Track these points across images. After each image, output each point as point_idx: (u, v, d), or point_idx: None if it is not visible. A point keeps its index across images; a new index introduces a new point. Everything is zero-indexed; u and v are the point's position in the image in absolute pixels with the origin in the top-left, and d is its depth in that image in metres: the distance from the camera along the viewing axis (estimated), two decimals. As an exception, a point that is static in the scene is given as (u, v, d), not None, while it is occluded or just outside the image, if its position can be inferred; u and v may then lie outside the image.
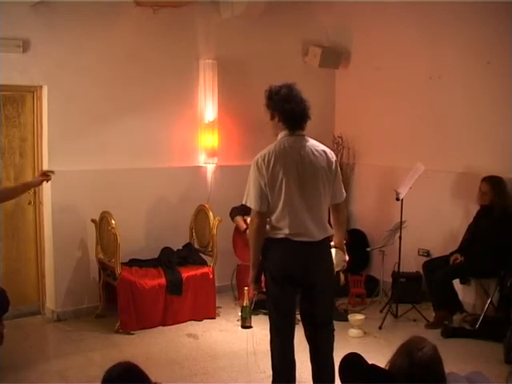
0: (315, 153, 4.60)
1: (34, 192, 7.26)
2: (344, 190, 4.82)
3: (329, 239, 4.73)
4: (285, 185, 4.49)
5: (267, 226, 4.60)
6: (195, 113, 8.11)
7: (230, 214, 7.72)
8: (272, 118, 4.67)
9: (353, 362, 3.09)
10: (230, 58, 8.17)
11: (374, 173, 8.62)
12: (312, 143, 4.65)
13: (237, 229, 7.72)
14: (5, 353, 5.80)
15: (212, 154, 8.13)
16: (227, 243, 7.65)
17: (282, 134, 4.64)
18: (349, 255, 4.98)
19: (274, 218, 4.56)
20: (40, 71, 7.01)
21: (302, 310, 4.81)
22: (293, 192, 4.50)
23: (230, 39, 8.20)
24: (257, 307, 7.16)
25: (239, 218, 7.65)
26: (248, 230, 4.67)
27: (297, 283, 4.62)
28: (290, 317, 4.73)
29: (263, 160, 4.53)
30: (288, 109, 4.56)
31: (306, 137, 4.67)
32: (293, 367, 4.75)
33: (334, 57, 8.81)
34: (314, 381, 4.82)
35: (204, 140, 8.12)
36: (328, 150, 4.71)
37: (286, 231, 4.52)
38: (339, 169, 4.77)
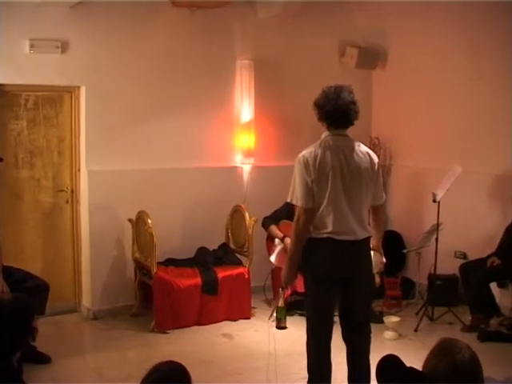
0: (359, 153, 4.63)
1: (72, 191, 7.34)
2: (384, 193, 4.83)
3: (369, 239, 4.73)
4: (330, 183, 4.51)
5: None
6: (232, 113, 8.12)
7: (263, 225, 7.65)
8: (317, 117, 4.70)
9: (391, 363, 3.07)
10: (266, 58, 8.17)
11: (411, 174, 8.55)
12: (356, 144, 4.68)
13: (269, 237, 7.69)
14: (40, 350, 5.87)
15: (248, 154, 8.14)
16: (263, 244, 7.63)
17: (325, 133, 4.68)
18: (385, 257, 4.97)
19: (317, 216, 4.56)
20: (78, 72, 7.08)
21: (341, 310, 4.81)
22: (338, 190, 4.52)
23: (266, 40, 8.19)
24: (292, 308, 7.16)
25: (274, 228, 7.60)
26: (294, 226, 4.64)
27: (339, 283, 4.62)
28: (330, 318, 4.73)
29: (310, 157, 4.54)
30: (329, 108, 4.59)
31: (350, 137, 4.68)
32: (329, 368, 4.75)
33: (371, 57, 8.76)
34: (349, 382, 4.82)
35: (240, 140, 8.13)
36: (371, 152, 4.74)
37: (330, 229, 4.53)
38: (380, 171, 4.78)
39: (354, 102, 4.62)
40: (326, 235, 4.55)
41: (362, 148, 4.70)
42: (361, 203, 4.62)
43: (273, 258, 7.52)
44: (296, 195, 4.61)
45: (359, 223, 4.59)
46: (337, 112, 4.58)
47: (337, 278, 4.59)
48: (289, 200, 4.70)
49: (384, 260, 4.94)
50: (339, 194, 4.53)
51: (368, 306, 4.94)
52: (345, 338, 4.81)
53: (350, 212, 4.55)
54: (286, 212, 7.31)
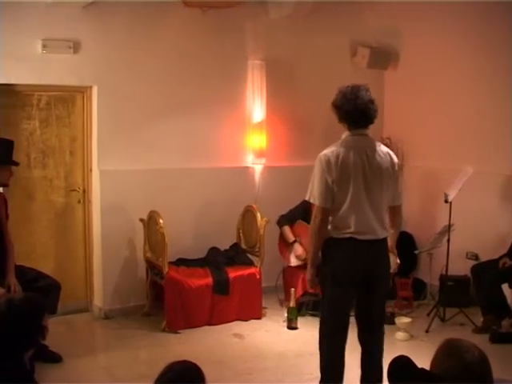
0: (380, 153, 4.64)
1: (84, 191, 7.37)
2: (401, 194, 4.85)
3: (386, 239, 4.74)
4: (353, 182, 4.51)
5: (329, 226, 4.60)
6: (243, 113, 8.12)
7: (278, 222, 7.66)
8: (337, 117, 4.70)
9: (402, 364, 3.06)
10: (278, 58, 8.17)
11: (422, 174, 8.53)
12: (376, 143, 4.70)
13: (282, 236, 7.70)
14: (52, 349, 5.89)
15: (260, 154, 8.14)
16: (274, 244, 7.63)
17: (345, 134, 4.68)
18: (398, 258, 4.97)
19: (338, 215, 4.56)
20: (90, 71, 7.11)
21: (358, 310, 4.81)
22: (360, 190, 4.53)
23: (278, 40, 8.19)
24: (303, 308, 7.16)
25: (287, 229, 7.61)
26: (311, 226, 4.63)
27: (359, 283, 4.62)
28: (347, 318, 4.72)
29: (332, 156, 4.53)
30: (348, 107, 4.59)
31: (370, 137, 4.69)
32: (343, 369, 4.74)
33: (383, 57, 8.74)
34: (361, 382, 4.82)
35: (252, 140, 8.13)
36: (391, 152, 4.76)
37: (352, 229, 4.53)
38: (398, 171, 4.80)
39: (372, 101, 4.63)
40: (348, 235, 4.54)
41: (383, 148, 4.72)
42: (381, 203, 4.63)
43: (293, 260, 7.54)
44: (314, 194, 4.59)
45: (380, 223, 4.61)
46: (356, 111, 4.58)
47: (358, 278, 4.59)
48: (307, 198, 4.70)
49: (398, 261, 4.96)
50: (361, 194, 4.53)
51: (384, 306, 4.94)
52: (360, 339, 4.82)
53: (371, 211, 4.56)
54: (302, 211, 7.35)
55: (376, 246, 4.61)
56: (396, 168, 4.71)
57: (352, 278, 4.58)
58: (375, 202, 4.58)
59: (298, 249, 7.47)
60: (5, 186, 6.07)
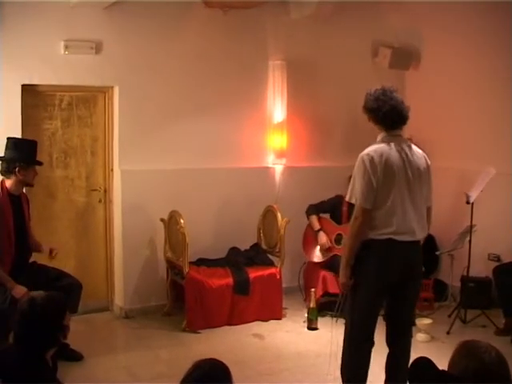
0: (418, 155, 4.68)
1: (105, 190, 7.40)
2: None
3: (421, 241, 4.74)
4: (396, 182, 4.50)
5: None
6: (264, 114, 8.13)
7: (307, 212, 7.68)
8: (373, 120, 4.69)
9: (423, 365, 3.05)
10: (299, 58, 8.16)
11: (444, 175, 8.42)
12: (412, 145, 4.71)
13: (309, 225, 7.71)
14: (73, 347, 5.93)
15: (280, 154, 8.14)
16: (294, 244, 7.62)
17: (381, 135, 4.67)
18: None
19: (378, 215, 4.52)
20: (111, 72, 7.14)
21: (390, 312, 4.78)
22: (403, 190, 4.53)
23: (299, 40, 8.19)
24: (323, 309, 7.15)
25: (315, 218, 7.63)
26: (351, 227, 4.59)
27: (394, 286, 4.59)
28: (375, 321, 4.69)
29: (376, 155, 4.51)
30: (386, 109, 4.59)
31: (404, 138, 4.71)
32: (367, 371, 4.71)
33: (405, 58, 8.70)
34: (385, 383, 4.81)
35: (273, 141, 8.13)
36: (425, 154, 4.77)
37: (393, 229, 4.50)
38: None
39: (403, 102, 4.67)
40: (386, 236, 4.50)
41: (418, 150, 4.73)
42: (422, 203, 4.65)
43: (316, 253, 7.55)
44: (356, 194, 4.55)
45: (420, 223, 4.62)
46: (393, 113, 4.59)
47: (394, 280, 4.56)
48: (347, 199, 4.66)
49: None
50: (404, 194, 4.53)
51: (415, 308, 4.92)
52: (389, 341, 4.79)
53: (413, 213, 4.56)
54: (331, 206, 7.53)
55: (413, 248, 4.60)
56: (430, 170, 4.74)
57: (388, 279, 4.54)
58: (417, 201, 4.59)
59: (323, 237, 7.48)
60: (30, 185, 6.12)
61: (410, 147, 4.66)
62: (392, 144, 4.58)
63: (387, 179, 4.49)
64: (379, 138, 4.66)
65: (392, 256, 4.51)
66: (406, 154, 4.58)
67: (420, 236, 4.63)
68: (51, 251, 6.12)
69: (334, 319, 5.95)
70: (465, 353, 2.87)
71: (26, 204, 6.05)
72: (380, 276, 4.53)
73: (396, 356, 4.77)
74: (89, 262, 7.41)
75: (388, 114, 4.58)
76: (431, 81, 8.65)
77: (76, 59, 6.90)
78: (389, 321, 4.79)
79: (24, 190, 6.16)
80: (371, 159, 4.50)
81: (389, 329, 4.78)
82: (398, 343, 4.76)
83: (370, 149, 4.58)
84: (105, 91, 7.30)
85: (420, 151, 4.73)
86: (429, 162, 4.74)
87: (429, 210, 4.82)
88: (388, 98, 4.58)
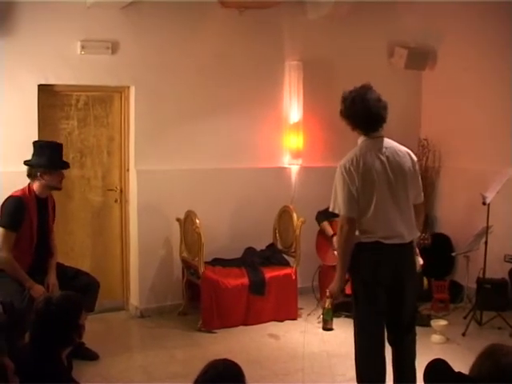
0: (399, 154, 4.61)
1: (121, 190, 7.42)
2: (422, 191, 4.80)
3: (413, 241, 4.70)
4: (376, 187, 4.48)
5: (356, 231, 4.56)
6: (280, 114, 8.12)
7: (317, 219, 7.65)
8: (350, 127, 4.66)
9: (439, 367, 3.04)
10: (315, 59, 8.15)
11: (460, 176, 8.45)
12: (394, 144, 4.65)
13: (322, 231, 7.67)
14: (89, 346, 5.95)
15: (296, 155, 8.14)
16: (310, 244, 7.61)
17: (360, 139, 4.64)
18: (431, 260, 4.92)
19: (364, 221, 4.51)
20: (128, 72, 7.16)
21: (389, 312, 4.74)
22: (384, 194, 4.49)
23: (315, 40, 8.18)
24: (339, 309, 7.13)
25: (327, 224, 7.59)
26: (336, 237, 4.61)
27: (388, 286, 4.58)
28: (382, 319, 4.67)
29: (352, 164, 4.49)
30: (360, 114, 4.55)
31: (386, 138, 4.64)
32: (384, 370, 4.69)
33: (421, 58, 8.68)
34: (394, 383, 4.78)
35: (289, 141, 8.13)
36: (409, 150, 4.71)
37: (379, 234, 4.49)
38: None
39: (379, 99, 4.58)
40: (374, 239, 4.51)
41: (401, 147, 4.67)
42: (408, 204, 4.59)
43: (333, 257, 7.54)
44: (338, 204, 4.56)
45: (407, 226, 4.57)
46: (369, 116, 4.55)
47: (385, 281, 4.55)
48: (331, 209, 4.67)
49: (421, 262, 4.91)
50: (386, 198, 4.49)
51: (414, 308, 4.89)
52: (391, 341, 4.77)
53: (398, 215, 4.52)
54: None
55: (403, 250, 4.56)
56: (416, 166, 4.67)
57: (380, 280, 4.53)
58: (401, 204, 4.54)
59: None
60: (56, 189, 6.10)
61: (391, 147, 4.59)
62: (371, 147, 4.55)
63: (367, 187, 4.47)
64: (359, 141, 4.64)
65: (382, 257, 4.51)
66: (387, 157, 4.53)
67: (409, 238, 4.58)
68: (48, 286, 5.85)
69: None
70: (485, 355, 2.87)
71: (51, 207, 6.08)
72: (373, 276, 4.52)
73: (398, 355, 4.75)
74: (105, 262, 7.44)
75: (363, 119, 4.56)
76: (447, 81, 8.62)
77: (92, 59, 6.93)
78: (389, 321, 4.76)
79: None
80: (348, 169, 4.49)
81: (389, 329, 4.76)
82: (400, 343, 4.74)
83: (347, 157, 4.56)
84: (121, 91, 7.32)
85: (403, 148, 4.66)
86: (414, 159, 4.68)
87: (420, 206, 4.78)
88: (360, 100, 4.53)
